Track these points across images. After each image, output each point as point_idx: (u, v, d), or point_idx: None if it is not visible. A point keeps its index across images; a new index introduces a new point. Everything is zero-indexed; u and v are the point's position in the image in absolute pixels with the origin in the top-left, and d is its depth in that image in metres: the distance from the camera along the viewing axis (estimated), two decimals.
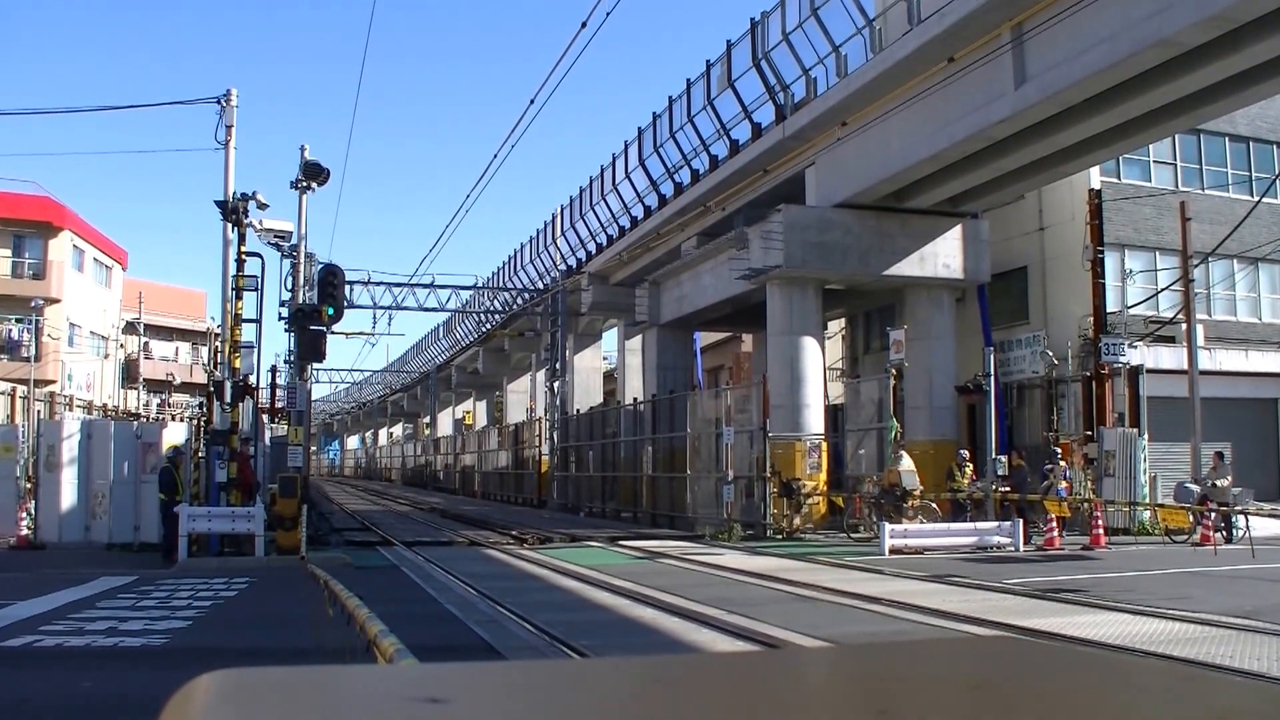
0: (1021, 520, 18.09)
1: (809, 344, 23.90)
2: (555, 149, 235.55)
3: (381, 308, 33.67)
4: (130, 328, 51.91)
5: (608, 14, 12.61)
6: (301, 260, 21.35)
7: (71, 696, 7.25)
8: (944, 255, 24.02)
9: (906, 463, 19.84)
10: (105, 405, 42.63)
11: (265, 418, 22.00)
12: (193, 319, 59.98)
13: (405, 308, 34.44)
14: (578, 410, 35.18)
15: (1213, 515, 17.81)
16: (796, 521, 21.18)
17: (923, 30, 18.93)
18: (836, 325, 34.33)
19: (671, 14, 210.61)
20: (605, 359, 46.28)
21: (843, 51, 21.74)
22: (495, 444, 46.04)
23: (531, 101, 15.40)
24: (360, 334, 35.99)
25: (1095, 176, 24.27)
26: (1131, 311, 24.58)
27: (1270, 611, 10.26)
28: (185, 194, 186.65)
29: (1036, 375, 23.93)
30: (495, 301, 44.41)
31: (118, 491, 19.03)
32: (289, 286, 21.61)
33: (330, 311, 19.31)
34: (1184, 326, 22.82)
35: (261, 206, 18.60)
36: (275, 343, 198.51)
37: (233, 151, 18.70)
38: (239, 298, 17.79)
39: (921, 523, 18.85)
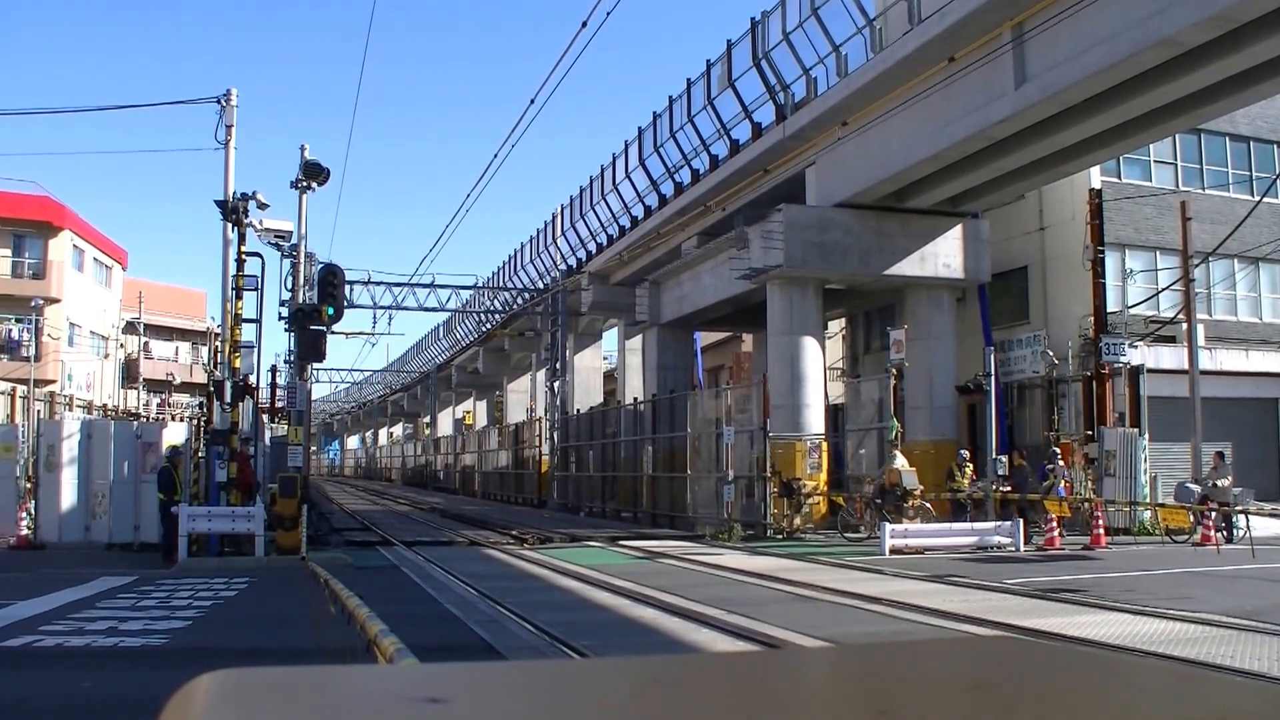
0: (1022, 520, 18.09)
1: (809, 344, 23.90)
2: (555, 149, 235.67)
3: (381, 308, 33.69)
4: (130, 327, 51.91)
5: (608, 14, 12.62)
6: (301, 260, 21.35)
7: (71, 696, 7.25)
8: (944, 255, 24.02)
9: (901, 461, 19.87)
10: (105, 405, 42.64)
11: (265, 418, 22.01)
12: (193, 319, 59.98)
13: (405, 308, 34.46)
14: (578, 410, 35.19)
15: (1213, 515, 17.81)
16: (797, 521, 21.19)
17: (923, 30, 18.93)
18: (837, 325, 34.33)
19: (671, 14, 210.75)
20: (605, 359, 46.28)
21: (843, 51, 21.74)
22: (495, 444, 46.04)
23: (532, 101, 15.42)
24: (360, 334, 36.04)
25: (1096, 176, 24.27)
26: (1132, 311, 24.58)
27: (1271, 611, 10.25)
28: (185, 194, 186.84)
29: (1037, 375, 23.93)
30: (495, 301, 44.41)
31: (118, 491, 19.03)
32: (289, 286, 21.62)
33: (330, 311, 19.30)
34: (1184, 326, 22.82)
35: (261, 206, 18.60)
36: (275, 343, 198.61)
37: (233, 151, 18.70)
38: (239, 298, 17.79)
39: (921, 523, 18.86)
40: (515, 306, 41.27)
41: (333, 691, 1.15)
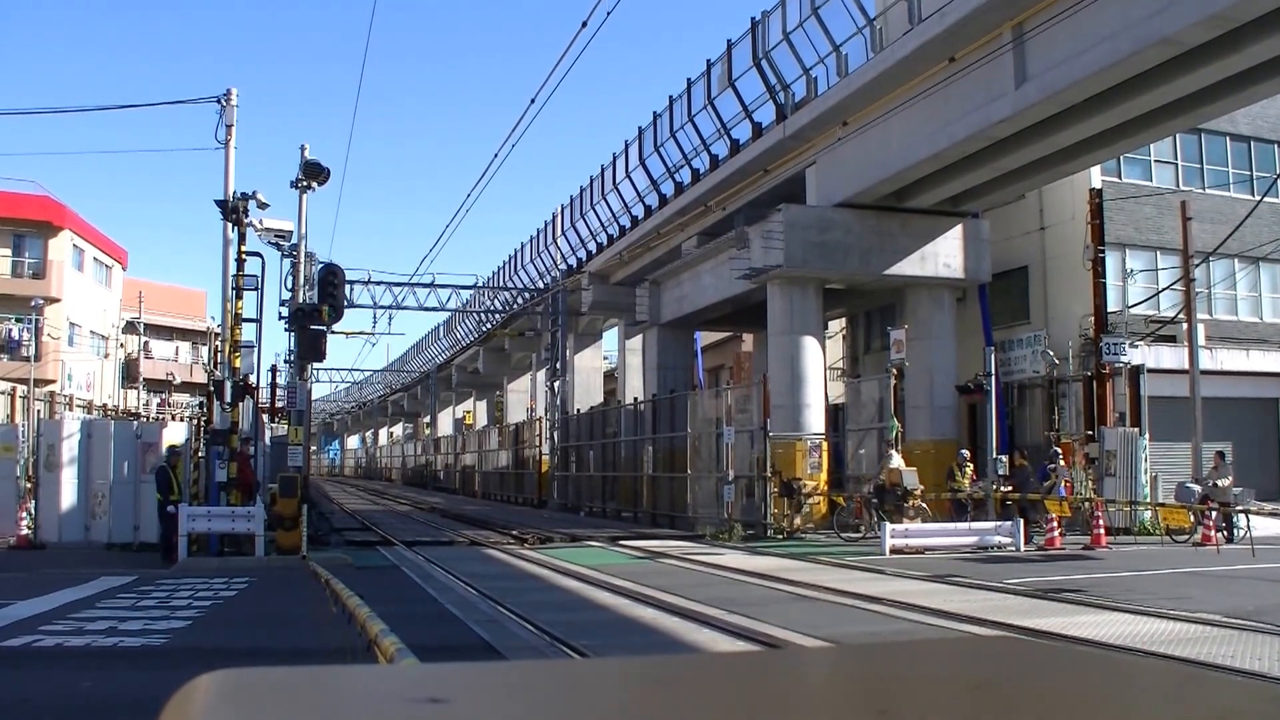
0: (1023, 520, 18.09)
1: (809, 343, 23.90)
2: (555, 149, 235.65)
3: (381, 307, 33.70)
4: (130, 327, 51.90)
5: (608, 13, 12.62)
6: (301, 260, 21.35)
7: (71, 696, 7.25)
8: (945, 255, 24.02)
9: (897, 461, 19.90)
10: (105, 405, 42.64)
11: (265, 417, 21.99)
12: (193, 318, 59.98)
13: (405, 307, 34.46)
14: (578, 410, 35.19)
15: (1214, 515, 17.80)
16: (797, 521, 21.19)
17: (923, 30, 18.93)
18: (837, 325, 34.33)
19: (672, 14, 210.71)
20: (606, 359, 46.28)
21: (843, 51, 21.74)
22: (495, 444, 46.04)
23: (532, 101, 15.41)
24: (360, 334, 36.02)
25: (1096, 176, 24.27)
26: (1132, 311, 24.58)
27: (1271, 611, 10.25)
28: (185, 194, 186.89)
29: (1037, 375, 23.92)
30: (495, 301, 44.41)
31: (117, 491, 19.04)
32: (289, 286, 21.62)
33: (330, 311, 19.31)
34: (1185, 326, 22.81)
35: (262, 206, 18.59)
36: (275, 342, 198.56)
37: (233, 151, 18.70)
38: (239, 297, 17.79)
39: (921, 523, 18.86)
40: (515, 306, 41.27)
41: (333, 691, 1.15)
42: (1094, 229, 22.60)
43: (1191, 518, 18.44)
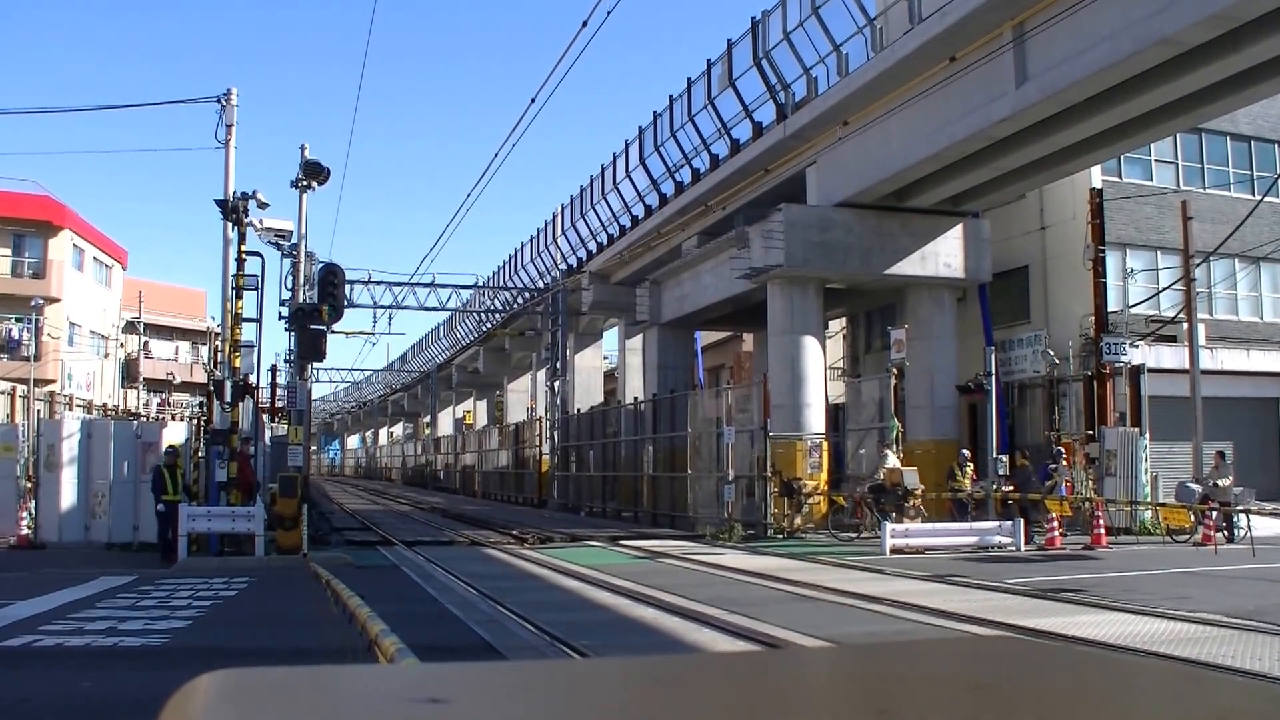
0: (1024, 520, 18.09)
1: (810, 343, 23.90)
2: (556, 149, 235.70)
3: (382, 307, 33.70)
4: (130, 327, 51.90)
5: (609, 13, 12.62)
6: (302, 259, 21.36)
7: (71, 696, 7.25)
8: (945, 254, 24.02)
9: (893, 461, 19.92)
10: (105, 405, 42.65)
11: (265, 417, 22.01)
12: (193, 318, 59.98)
13: (405, 307, 34.47)
14: (578, 410, 35.19)
15: (1214, 515, 17.80)
16: (797, 521, 21.19)
17: (924, 29, 18.93)
18: (837, 325, 34.32)
19: (672, 13, 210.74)
20: (606, 358, 46.28)
21: (844, 50, 21.74)
22: (496, 443, 46.04)
23: (532, 100, 15.40)
24: (360, 333, 36.03)
25: (1096, 175, 24.26)
26: (1133, 311, 24.57)
27: (1271, 611, 10.25)
28: (185, 193, 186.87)
29: (1038, 375, 23.92)
30: (495, 301, 44.42)
31: (117, 491, 19.05)
32: (289, 286, 21.63)
33: (330, 311, 19.31)
34: (1185, 326, 22.81)
35: (262, 206, 18.60)
36: (275, 342, 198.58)
37: (233, 151, 18.71)
38: (239, 297, 17.79)
39: (921, 523, 18.87)
40: (515, 306, 41.27)
41: (333, 691, 1.15)
42: (1094, 229, 22.60)
43: (1192, 518, 18.43)
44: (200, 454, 18.77)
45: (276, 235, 19.56)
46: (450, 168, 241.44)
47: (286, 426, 22.57)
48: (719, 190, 26.86)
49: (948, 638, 8.45)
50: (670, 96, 28.85)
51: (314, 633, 10.12)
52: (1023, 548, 17.29)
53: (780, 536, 20.54)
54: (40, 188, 41.50)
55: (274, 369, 27.49)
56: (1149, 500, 20.07)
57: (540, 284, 39.39)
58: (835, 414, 26.17)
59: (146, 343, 55.34)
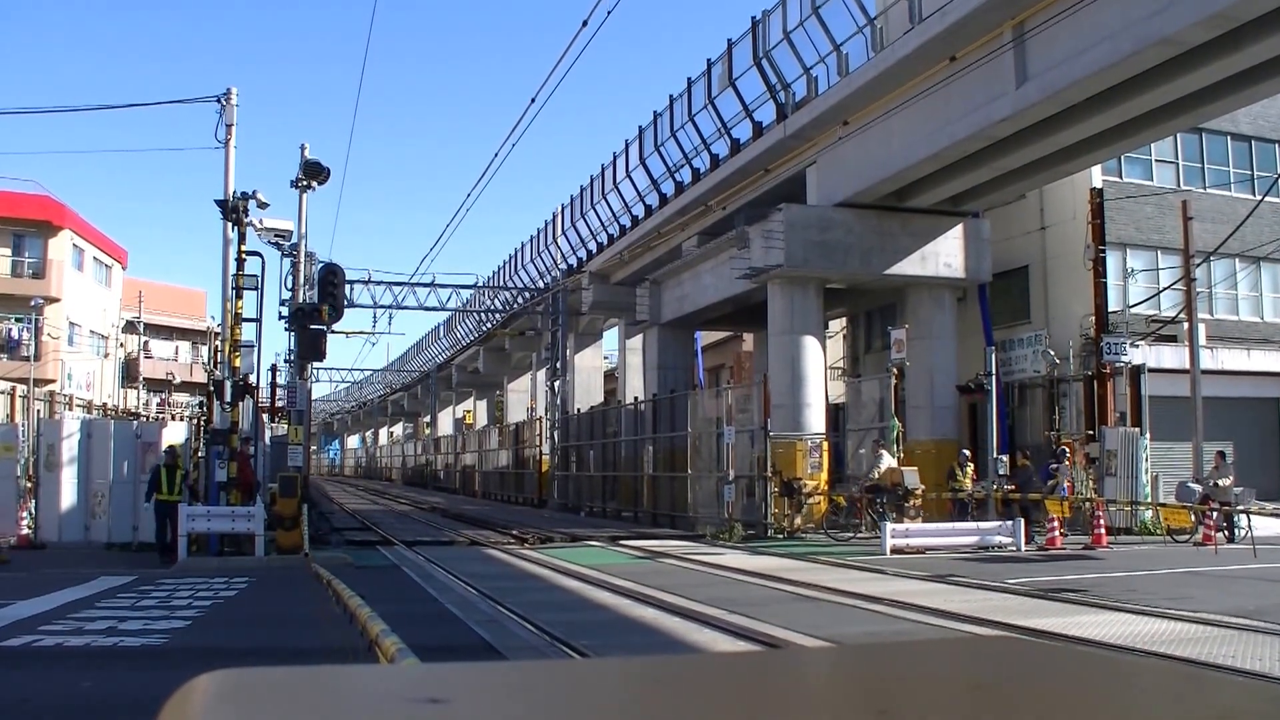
0: (1024, 520, 18.09)
1: (810, 343, 23.90)
2: (556, 148, 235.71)
3: (382, 307, 33.70)
4: (130, 327, 51.91)
5: (609, 12, 12.62)
6: (302, 259, 21.37)
7: (71, 696, 7.25)
8: (945, 254, 24.02)
9: (888, 460, 19.93)
10: (105, 404, 42.64)
11: (265, 417, 22.01)
12: (193, 318, 59.98)
13: (405, 307, 34.46)
14: (578, 410, 35.18)
15: (1215, 515, 17.80)
16: (797, 521, 21.19)
17: (924, 29, 18.93)
18: (838, 324, 34.32)
19: (673, 13, 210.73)
20: (606, 358, 46.28)
21: (844, 50, 21.74)
22: (496, 443, 46.04)
23: (532, 100, 15.40)
24: (360, 333, 36.10)
25: (1097, 175, 24.26)
26: (1133, 310, 24.57)
27: (1272, 611, 10.25)
28: (185, 193, 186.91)
29: (1038, 375, 23.92)
30: (496, 301, 44.42)
31: (117, 491, 19.04)
32: (289, 286, 21.64)
33: (330, 311, 19.32)
34: (1186, 326, 22.81)
35: (262, 205, 18.60)
36: (275, 342, 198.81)
37: (233, 150, 18.70)
38: (239, 297, 17.79)
39: (921, 523, 18.87)
40: (515, 306, 41.27)
41: (333, 691, 1.15)
42: (1095, 228, 22.60)
43: (1192, 518, 18.43)
44: (200, 454, 18.77)
45: (276, 235, 19.56)
46: (450, 168, 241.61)
47: (286, 426, 22.58)
48: (719, 190, 26.86)
49: (948, 638, 8.45)
50: (670, 96, 28.86)
51: (314, 633, 10.12)
52: (1023, 548, 17.29)
53: (780, 536, 20.53)
54: (40, 188, 41.58)
55: (274, 369, 27.49)
56: (1149, 500, 20.06)
57: (540, 284, 39.39)
58: (835, 414, 26.16)
59: (146, 343, 55.35)
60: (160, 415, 49.84)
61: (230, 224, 18.17)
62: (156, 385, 55.75)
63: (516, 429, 43.02)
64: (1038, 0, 17.11)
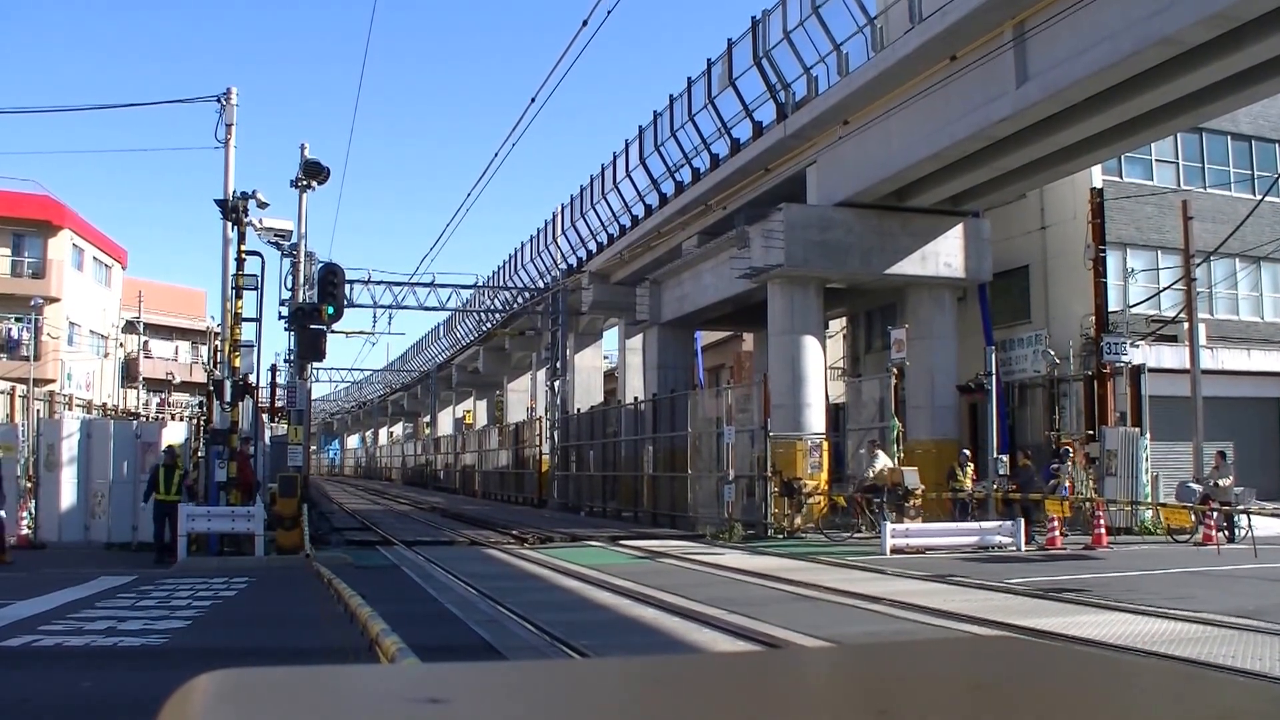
0: (1024, 520, 18.08)
1: (810, 343, 23.90)
2: (556, 148, 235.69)
3: (382, 307, 33.70)
4: (130, 327, 51.90)
5: (609, 12, 12.61)
6: (301, 259, 21.37)
7: (71, 696, 7.25)
8: (945, 254, 24.02)
9: (884, 460, 19.93)
10: (105, 404, 42.63)
11: (265, 417, 22.02)
12: (192, 318, 59.97)
13: (405, 307, 34.46)
14: (578, 409, 35.18)
15: (1215, 515, 17.80)
16: (797, 521, 21.18)
17: (924, 29, 18.93)
18: (838, 324, 34.32)
19: (673, 12, 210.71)
20: (606, 358, 46.28)
21: (844, 50, 21.74)
22: (496, 443, 46.04)
23: (532, 100, 15.40)
24: (360, 333, 36.05)
25: (1097, 175, 24.26)
26: (1133, 310, 24.56)
27: (1272, 611, 10.25)
28: (185, 193, 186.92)
29: (1038, 374, 23.92)
30: (495, 300, 44.42)
31: (117, 491, 19.04)
32: (289, 285, 21.65)
33: (330, 310, 19.31)
34: (1186, 325, 22.81)
35: (261, 205, 18.60)
36: (275, 342, 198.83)
37: (233, 150, 18.70)
38: (239, 297, 17.79)
39: (922, 523, 18.87)
40: (515, 306, 41.27)
41: (332, 691, 1.15)
42: (1095, 228, 22.59)
43: (1193, 517, 18.43)
44: (200, 454, 18.77)
45: (276, 235, 19.56)
46: (450, 168, 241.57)
47: (286, 426, 22.59)
48: (719, 190, 26.85)
49: (948, 638, 8.45)
50: (670, 96, 28.86)
51: (314, 632, 10.13)
52: (1023, 548, 17.29)
53: (780, 536, 20.53)
54: (40, 187, 41.55)
55: (274, 369, 27.52)
56: (1150, 500, 20.06)
57: (540, 284, 39.39)
58: (835, 414, 26.15)
59: (146, 342, 55.33)
60: (160, 415, 49.83)
61: (230, 224, 18.17)
62: (156, 385, 55.74)
63: (516, 429, 43.02)
64: (1038, 0, 17.11)
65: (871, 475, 20.11)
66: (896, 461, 20.46)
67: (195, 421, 25.60)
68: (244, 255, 17.99)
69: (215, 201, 18.22)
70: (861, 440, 22.89)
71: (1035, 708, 1.15)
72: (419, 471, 64.34)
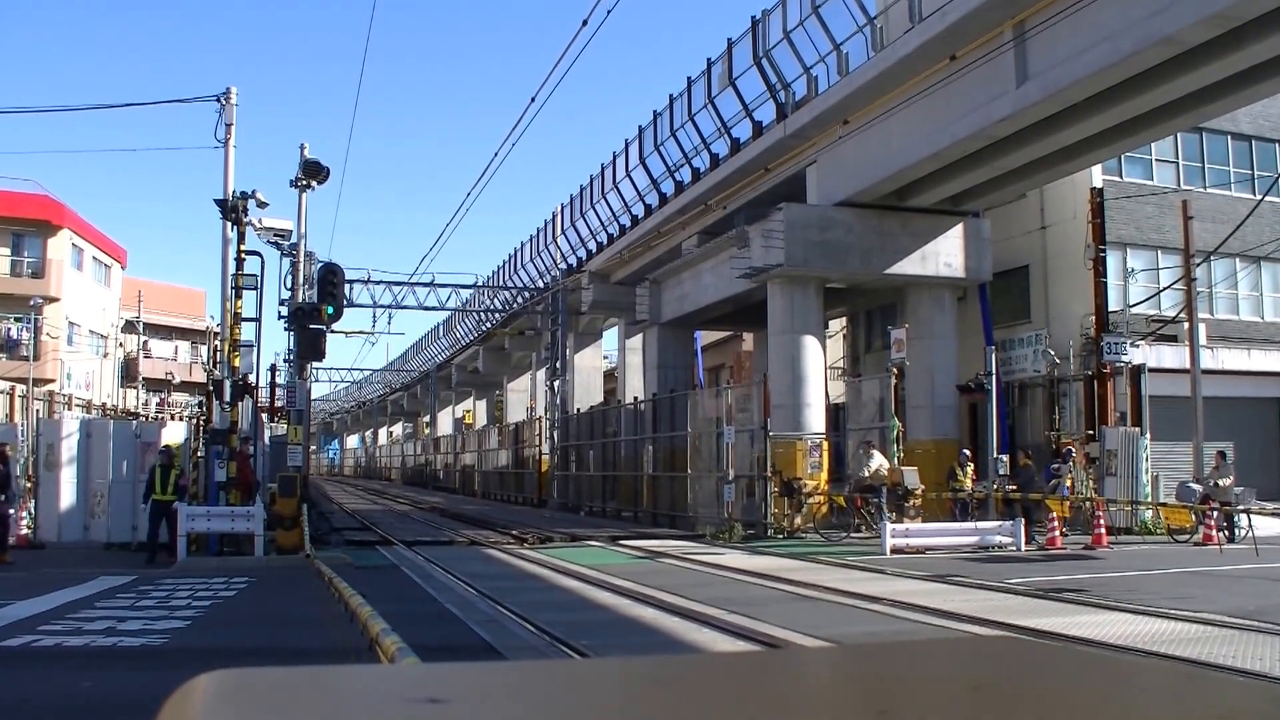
0: (1025, 520, 18.07)
1: (810, 343, 23.90)
2: (555, 148, 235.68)
3: (381, 306, 33.68)
4: (129, 326, 51.89)
5: (609, 11, 12.60)
6: (301, 259, 21.36)
7: (71, 696, 7.25)
8: (945, 254, 24.02)
9: (879, 460, 19.92)
10: (104, 404, 42.61)
11: (265, 417, 22.01)
12: (192, 318, 59.96)
13: (405, 306, 34.44)
14: (578, 409, 35.18)
15: (1215, 515, 17.80)
16: (797, 521, 21.18)
17: (924, 28, 18.93)
18: (838, 324, 34.32)
19: (673, 13, 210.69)
20: (606, 358, 46.28)
21: (844, 50, 21.74)
22: (495, 443, 46.04)
23: (532, 100, 15.39)
24: (360, 333, 36.06)
25: (1097, 175, 24.26)
26: (1133, 310, 24.57)
27: (1273, 611, 10.25)
28: (185, 193, 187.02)
29: (1038, 374, 23.91)
30: (495, 300, 44.41)
31: (116, 491, 19.03)
32: (289, 285, 21.63)
33: (330, 310, 19.30)
34: (1186, 325, 22.81)
35: (261, 205, 18.60)
36: (275, 341, 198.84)
37: (232, 150, 18.69)
38: (238, 296, 17.79)
39: (922, 523, 18.87)
40: (515, 305, 41.26)
41: (332, 691, 1.15)
42: (1095, 228, 22.59)
43: (1193, 517, 18.43)
44: (200, 454, 18.76)
45: (276, 235, 19.56)
46: (450, 167, 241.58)
47: (286, 426, 22.58)
48: (719, 189, 26.85)
49: (948, 638, 8.45)
50: (670, 96, 28.85)
51: (313, 632, 10.13)
52: (1023, 548, 17.29)
53: (780, 536, 20.53)
54: (39, 187, 41.46)
55: (273, 369, 27.52)
56: (1150, 500, 20.06)
57: (540, 283, 39.38)
58: (835, 414, 26.15)
59: (146, 342, 55.31)
60: (160, 415, 49.82)
61: (230, 223, 18.16)
62: (156, 385, 55.73)
63: (516, 429, 43.01)
64: (1038, 0, 17.11)
65: (867, 475, 20.12)
66: (896, 461, 20.46)
67: (195, 421, 25.59)
68: (244, 255, 17.98)
69: (215, 201, 18.22)
70: (861, 440, 22.89)
71: (1035, 708, 1.15)
72: (418, 471, 64.32)
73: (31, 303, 37.11)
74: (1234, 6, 14.35)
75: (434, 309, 36.88)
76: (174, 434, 20.38)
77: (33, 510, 18.95)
